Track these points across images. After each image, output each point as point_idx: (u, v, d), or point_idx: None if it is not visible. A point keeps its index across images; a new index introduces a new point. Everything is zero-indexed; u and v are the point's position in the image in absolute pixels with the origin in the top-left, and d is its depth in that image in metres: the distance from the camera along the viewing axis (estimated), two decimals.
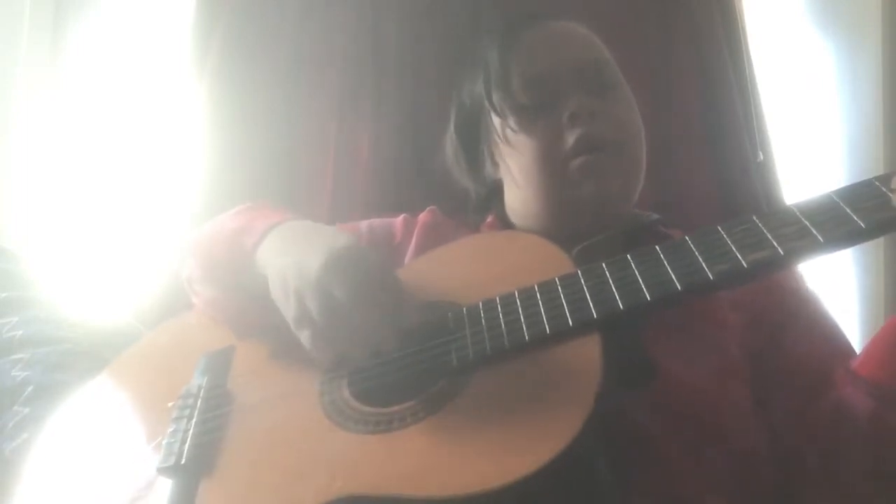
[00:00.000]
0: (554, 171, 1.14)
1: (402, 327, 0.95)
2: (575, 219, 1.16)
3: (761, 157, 1.61)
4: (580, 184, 1.13)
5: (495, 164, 1.24)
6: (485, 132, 1.24)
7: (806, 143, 1.72)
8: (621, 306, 0.87)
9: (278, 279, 0.97)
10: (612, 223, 1.15)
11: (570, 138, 1.13)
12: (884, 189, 0.82)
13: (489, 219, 1.28)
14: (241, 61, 1.70)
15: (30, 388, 1.23)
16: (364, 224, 1.30)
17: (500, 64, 1.19)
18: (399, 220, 1.31)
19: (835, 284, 1.59)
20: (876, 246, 1.59)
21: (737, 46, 1.66)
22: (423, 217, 1.30)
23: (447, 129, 1.35)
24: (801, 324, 1.12)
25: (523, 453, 0.79)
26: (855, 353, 1.11)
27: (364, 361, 0.96)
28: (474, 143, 1.27)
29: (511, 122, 1.17)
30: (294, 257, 0.97)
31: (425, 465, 0.83)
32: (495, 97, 1.19)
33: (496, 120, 1.20)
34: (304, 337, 0.95)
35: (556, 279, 0.93)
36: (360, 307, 0.91)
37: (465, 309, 0.96)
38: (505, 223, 1.27)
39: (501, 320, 0.92)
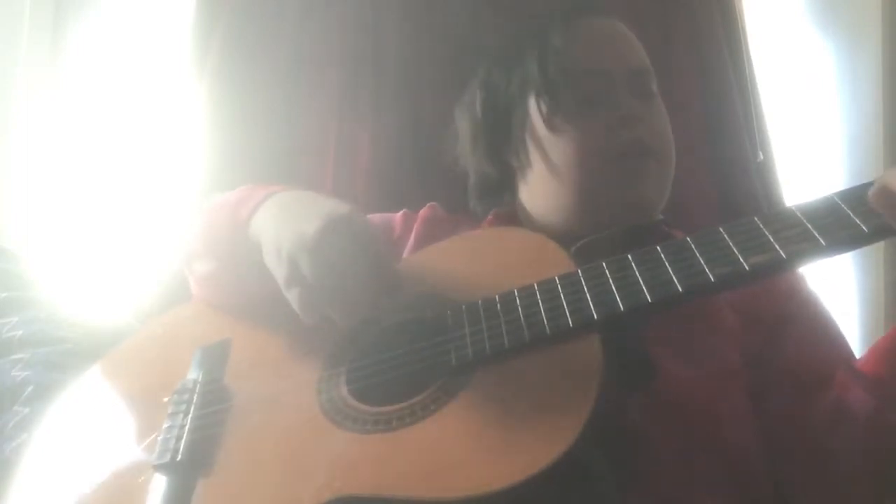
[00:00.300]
0: (602, 167, 1.14)
1: (394, 295, 0.95)
2: (602, 217, 1.15)
3: (761, 157, 1.61)
4: (625, 185, 1.14)
5: (523, 151, 1.22)
6: (519, 117, 1.22)
7: (806, 143, 1.71)
8: (622, 307, 0.87)
9: (272, 243, 0.97)
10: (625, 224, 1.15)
11: (622, 138, 1.13)
12: None
13: (489, 217, 1.28)
14: (241, 61, 1.70)
15: (30, 388, 1.22)
16: None
17: (563, 50, 1.18)
18: (399, 215, 1.31)
19: (835, 286, 1.59)
20: (876, 248, 1.59)
21: (737, 46, 1.66)
22: (423, 212, 1.30)
23: (460, 108, 1.34)
24: (801, 325, 1.12)
25: (524, 455, 0.79)
26: (854, 355, 1.11)
27: (352, 324, 0.96)
28: (503, 126, 1.25)
29: (560, 115, 1.16)
30: (290, 223, 0.97)
31: (425, 465, 0.83)
32: (549, 86, 1.18)
33: (543, 107, 1.19)
34: (293, 295, 0.94)
35: (556, 278, 0.92)
36: (355, 270, 0.91)
37: (464, 307, 0.96)
38: (506, 220, 1.26)
39: (501, 320, 0.92)
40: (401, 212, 1.32)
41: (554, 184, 1.18)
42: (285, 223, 0.98)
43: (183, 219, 1.24)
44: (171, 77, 1.78)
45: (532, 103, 1.20)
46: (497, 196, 1.29)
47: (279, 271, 0.95)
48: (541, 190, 1.22)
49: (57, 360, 1.27)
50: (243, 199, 1.08)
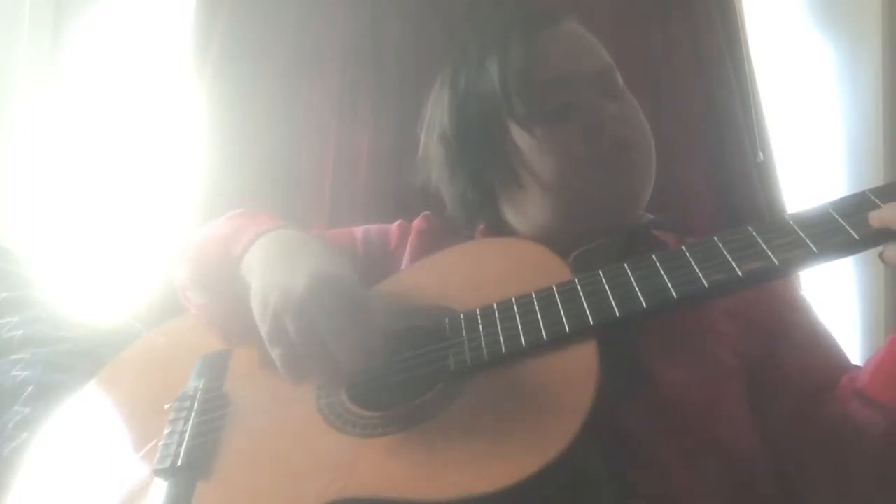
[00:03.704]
0: (590, 172, 1.13)
1: (376, 361, 0.93)
2: (594, 219, 1.14)
3: (761, 157, 1.61)
4: (615, 182, 1.13)
5: (506, 172, 1.19)
6: (497, 139, 1.19)
7: (806, 143, 1.71)
8: (618, 314, 0.88)
9: (259, 293, 0.97)
10: (619, 226, 1.15)
11: (604, 141, 1.12)
12: (878, 201, 0.83)
13: (481, 226, 1.27)
14: (241, 61, 1.71)
15: (30, 388, 1.23)
16: (359, 231, 1.29)
17: (519, 70, 1.16)
18: (394, 226, 1.30)
19: (835, 289, 1.59)
20: (876, 251, 1.59)
21: (737, 46, 1.66)
22: (417, 223, 1.29)
23: (428, 131, 1.30)
24: (797, 332, 1.13)
25: (519, 458, 0.79)
26: (847, 358, 1.12)
27: (334, 388, 0.96)
28: (478, 149, 1.22)
29: (537, 129, 1.15)
30: (278, 274, 0.96)
31: (422, 468, 0.84)
32: (516, 104, 1.16)
33: (515, 126, 1.17)
34: (276, 355, 0.94)
35: (554, 286, 0.93)
36: (338, 338, 0.90)
37: (462, 315, 0.97)
38: (497, 229, 1.25)
39: (499, 327, 0.92)
40: (396, 223, 1.31)
41: (542, 198, 1.17)
42: (273, 273, 0.97)
43: (176, 248, 1.23)
44: (171, 77, 1.78)
45: (508, 124, 1.17)
46: (480, 214, 1.27)
47: (263, 326, 0.95)
48: (529, 204, 1.19)
49: (57, 360, 1.28)
50: (234, 233, 1.08)
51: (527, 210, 1.20)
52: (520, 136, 1.16)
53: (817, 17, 1.73)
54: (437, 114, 1.27)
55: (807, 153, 1.71)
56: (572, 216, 1.16)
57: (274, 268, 0.98)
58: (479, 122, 1.20)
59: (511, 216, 1.23)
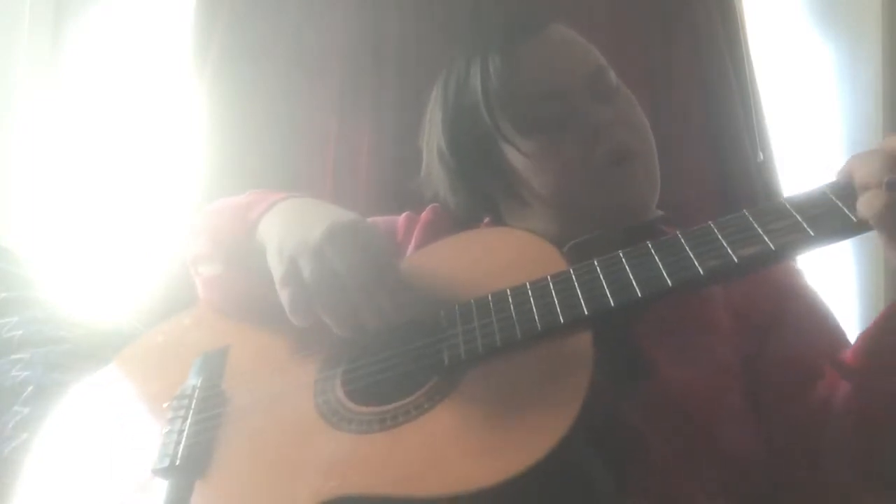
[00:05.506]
0: (588, 184, 1.11)
1: (391, 311, 0.94)
2: (597, 225, 1.12)
3: (761, 156, 1.61)
4: (616, 192, 1.11)
5: (504, 183, 1.19)
6: (493, 152, 1.18)
7: (806, 142, 1.71)
8: (612, 303, 0.87)
9: (275, 245, 0.98)
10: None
11: (601, 150, 1.10)
12: None
13: (486, 219, 1.26)
14: (241, 61, 1.71)
15: (30, 388, 1.23)
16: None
17: (502, 87, 1.15)
18: (402, 218, 1.30)
19: (834, 279, 1.59)
20: (876, 243, 1.58)
21: (737, 47, 1.66)
22: (424, 215, 1.29)
23: (428, 143, 1.29)
24: (792, 323, 1.11)
25: (514, 452, 0.79)
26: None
27: (344, 334, 0.96)
28: (474, 165, 1.21)
29: (528, 144, 1.14)
30: (296, 226, 0.98)
31: (418, 463, 0.84)
32: (502, 122, 1.15)
33: (511, 145, 1.15)
34: (286, 295, 0.95)
35: (548, 277, 0.93)
36: (356, 279, 0.91)
37: (457, 306, 0.96)
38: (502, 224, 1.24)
39: (493, 318, 0.92)
40: (404, 214, 1.31)
41: (545, 212, 1.16)
42: (291, 227, 0.98)
43: (188, 221, 1.24)
44: (172, 77, 1.79)
45: (500, 138, 1.16)
46: (482, 215, 1.27)
47: (277, 270, 0.96)
48: (533, 218, 1.18)
49: (57, 360, 1.28)
50: (253, 202, 1.09)
51: (534, 224, 1.18)
52: (511, 154, 1.16)
53: (817, 17, 1.73)
54: (434, 128, 1.27)
55: (807, 153, 1.70)
56: (579, 226, 1.13)
57: (292, 224, 1.00)
58: (470, 138, 1.20)
59: (513, 219, 1.22)
